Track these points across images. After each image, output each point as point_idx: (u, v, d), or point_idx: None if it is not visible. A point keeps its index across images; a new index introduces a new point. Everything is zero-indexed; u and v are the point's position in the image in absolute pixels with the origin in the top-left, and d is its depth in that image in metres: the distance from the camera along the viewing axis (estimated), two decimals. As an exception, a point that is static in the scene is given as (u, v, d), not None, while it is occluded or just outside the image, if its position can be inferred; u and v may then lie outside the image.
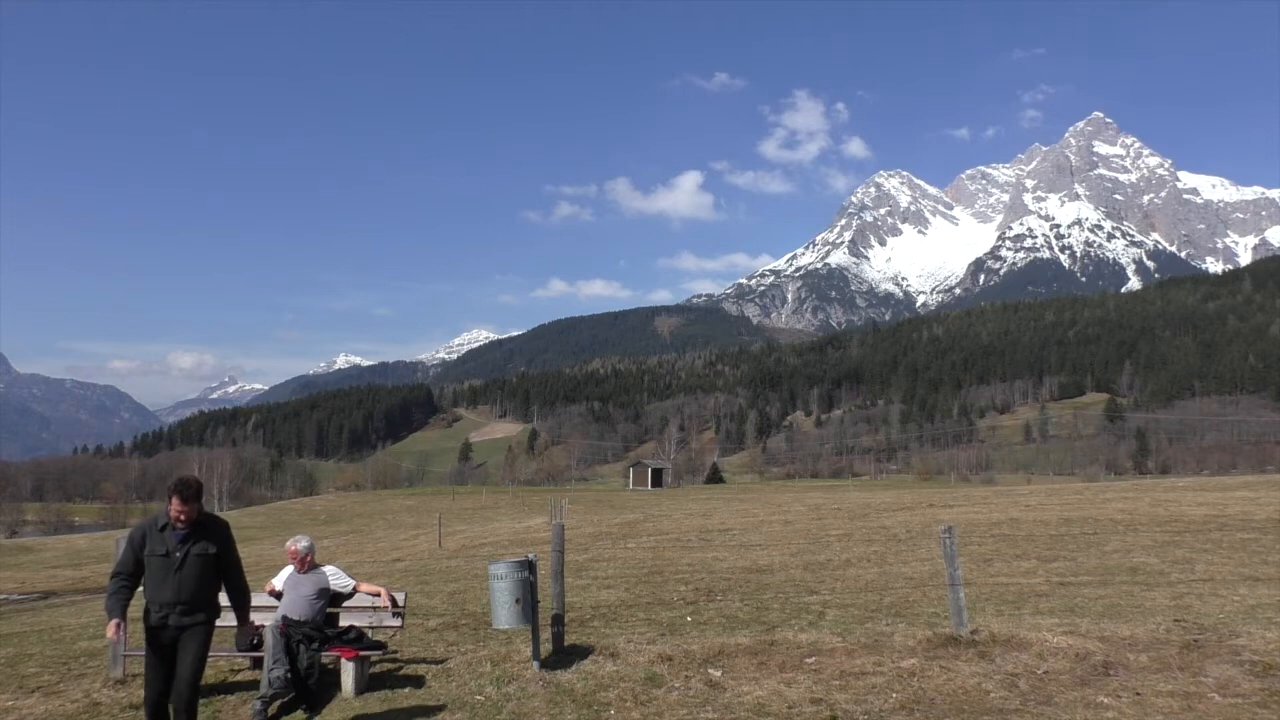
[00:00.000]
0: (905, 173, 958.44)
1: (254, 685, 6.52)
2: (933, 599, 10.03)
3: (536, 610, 7.46)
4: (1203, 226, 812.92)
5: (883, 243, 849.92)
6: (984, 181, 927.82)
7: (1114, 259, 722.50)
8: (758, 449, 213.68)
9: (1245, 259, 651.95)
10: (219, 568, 5.52)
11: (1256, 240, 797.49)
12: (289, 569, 7.38)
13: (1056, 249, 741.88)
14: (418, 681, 7.08)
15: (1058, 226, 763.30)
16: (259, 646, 7.09)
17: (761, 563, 14.95)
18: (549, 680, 6.87)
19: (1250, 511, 18.67)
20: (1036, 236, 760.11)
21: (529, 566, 7.52)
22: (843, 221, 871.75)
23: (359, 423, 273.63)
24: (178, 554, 5.33)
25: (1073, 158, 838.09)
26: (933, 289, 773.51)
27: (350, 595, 7.54)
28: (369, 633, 7.52)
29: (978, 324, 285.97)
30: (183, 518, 5.35)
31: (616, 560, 16.87)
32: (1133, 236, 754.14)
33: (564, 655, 7.54)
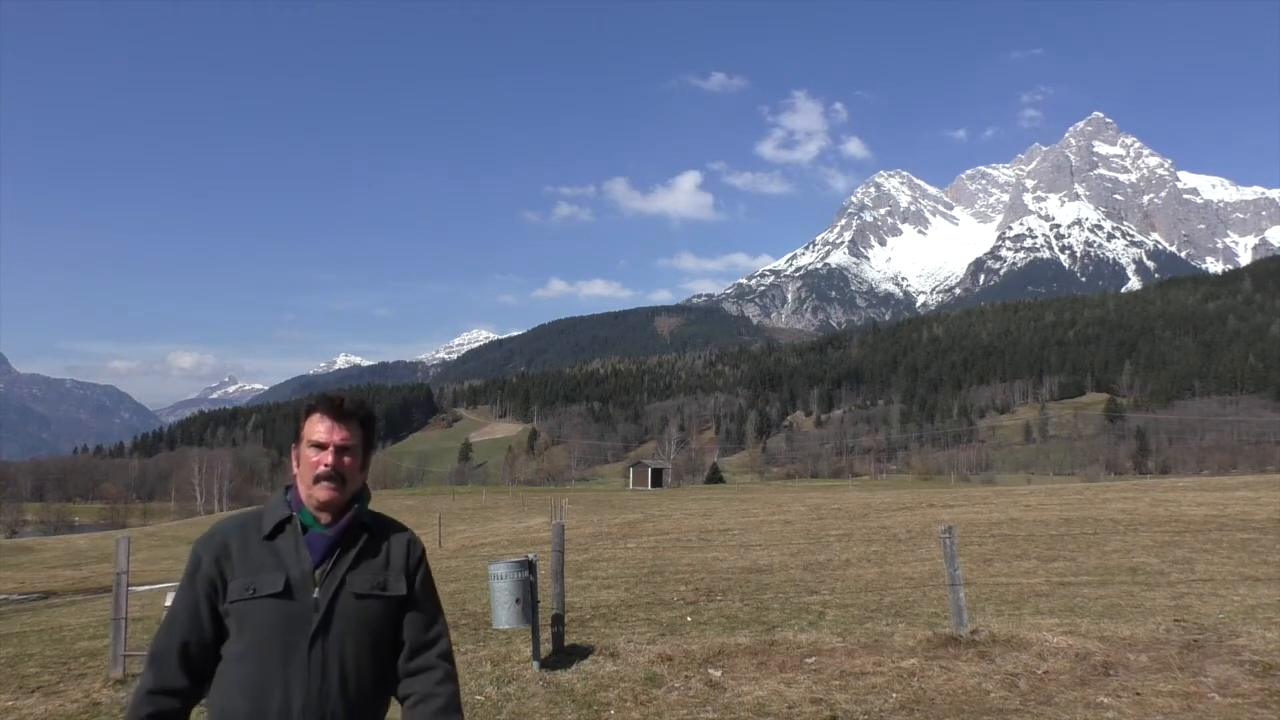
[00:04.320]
0: (905, 173, 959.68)
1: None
2: (933, 599, 10.02)
3: (536, 610, 7.47)
4: (1203, 226, 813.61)
5: (883, 243, 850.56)
6: (984, 181, 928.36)
7: (1114, 259, 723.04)
8: (758, 449, 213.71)
9: (1245, 259, 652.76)
10: (398, 632, 2.37)
11: (1256, 240, 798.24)
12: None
13: (1056, 249, 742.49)
14: (418, 681, 7.06)
15: (1058, 226, 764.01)
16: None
17: (761, 563, 14.95)
18: (549, 680, 6.87)
19: (1250, 511, 18.67)
20: (1036, 236, 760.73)
21: (529, 566, 7.52)
22: (842, 221, 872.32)
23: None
24: (315, 593, 2.25)
25: (1073, 158, 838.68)
26: (933, 289, 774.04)
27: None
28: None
29: (978, 324, 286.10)
30: (330, 467, 2.30)
31: (616, 560, 16.87)
32: (1133, 236, 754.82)
33: (564, 655, 7.54)
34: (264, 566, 2.24)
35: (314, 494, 2.30)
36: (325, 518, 2.31)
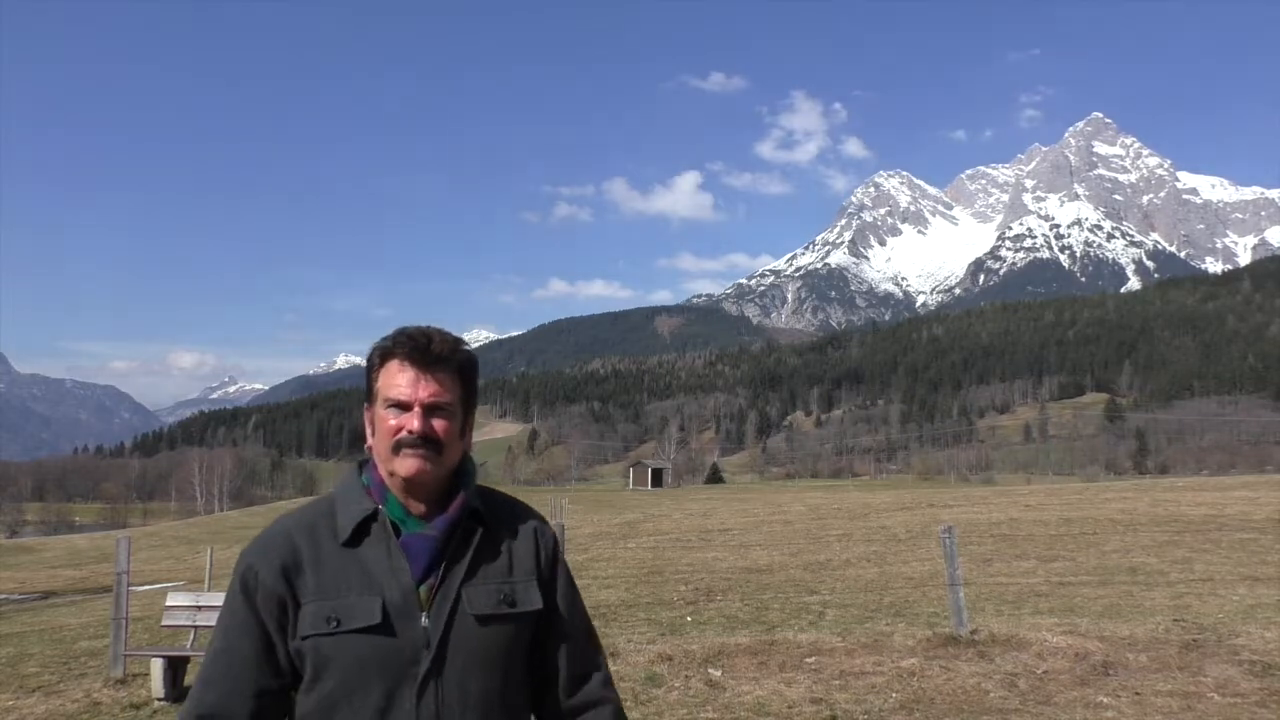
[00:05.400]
0: (905, 173, 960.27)
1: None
2: (932, 599, 10.04)
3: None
4: (1202, 226, 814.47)
5: (882, 243, 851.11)
6: (984, 181, 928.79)
7: (1114, 259, 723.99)
8: (758, 449, 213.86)
9: (1245, 259, 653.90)
10: (534, 658, 1.67)
11: (1256, 240, 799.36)
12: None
13: (1056, 249, 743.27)
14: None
15: (1057, 226, 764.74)
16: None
17: (761, 563, 14.97)
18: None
19: (1249, 511, 18.68)
20: (1036, 236, 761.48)
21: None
22: (842, 221, 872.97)
23: (359, 422, 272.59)
24: (424, 619, 1.51)
25: (1072, 158, 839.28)
26: (933, 289, 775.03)
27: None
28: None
29: (977, 324, 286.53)
30: (417, 432, 1.54)
31: (616, 560, 16.89)
32: (1132, 236, 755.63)
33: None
34: (348, 586, 1.50)
35: (396, 468, 1.55)
36: (418, 506, 1.57)
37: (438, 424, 1.55)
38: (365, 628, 1.46)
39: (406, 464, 1.52)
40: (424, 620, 1.49)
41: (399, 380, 1.56)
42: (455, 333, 1.59)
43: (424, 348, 1.57)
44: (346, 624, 1.46)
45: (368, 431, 1.62)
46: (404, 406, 1.54)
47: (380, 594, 1.48)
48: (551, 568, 1.67)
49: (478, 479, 1.63)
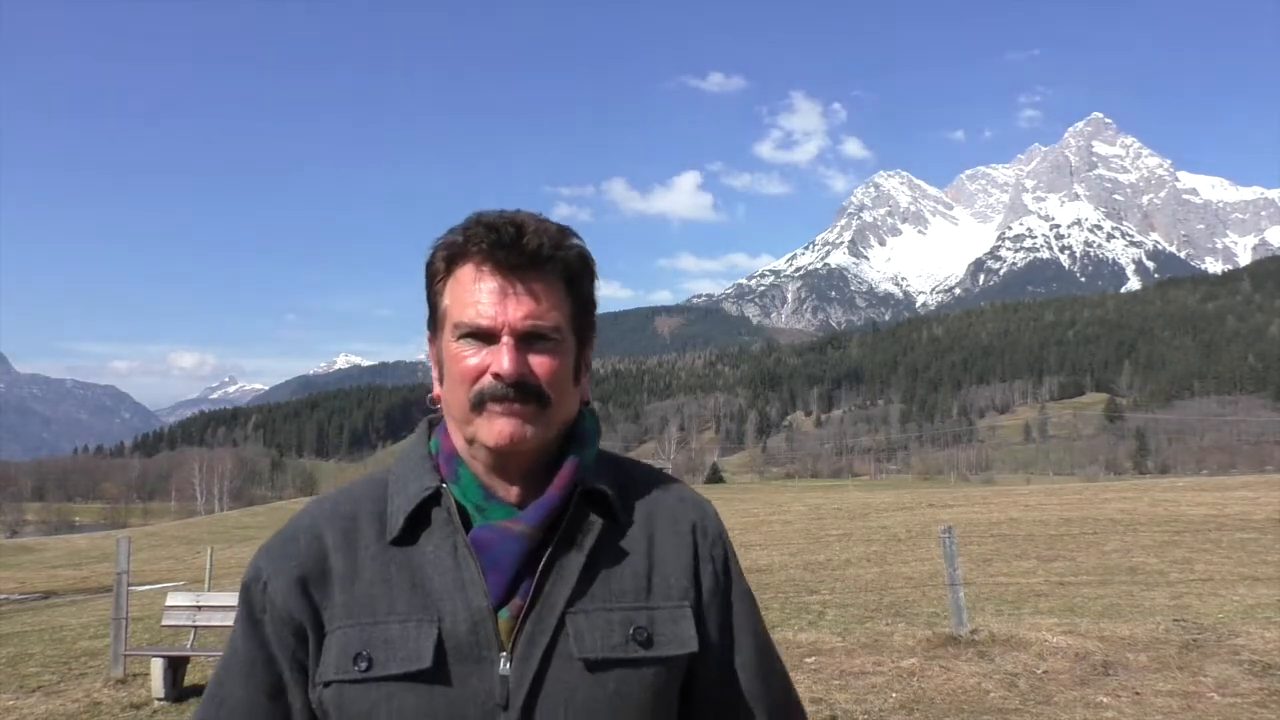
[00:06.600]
0: (905, 173, 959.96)
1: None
2: (932, 599, 10.04)
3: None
4: (1202, 227, 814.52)
5: (882, 243, 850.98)
6: (984, 181, 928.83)
7: (1113, 259, 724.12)
8: (758, 449, 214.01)
9: (1244, 259, 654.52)
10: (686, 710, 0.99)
11: (1256, 240, 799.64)
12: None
13: (1056, 249, 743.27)
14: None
15: (1057, 226, 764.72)
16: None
17: (761, 563, 14.97)
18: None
19: (1249, 511, 18.68)
20: (1036, 236, 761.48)
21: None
22: (842, 221, 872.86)
23: (359, 423, 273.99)
24: (503, 663, 0.91)
25: (1072, 158, 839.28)
26: (932, 289, 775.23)
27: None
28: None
29: (977, 324, 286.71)
30: (507, 378, 0.93)
31: (616, 560, 16.86)
32: (1132, 236, 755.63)
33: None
34: (390, 607, 0.95)
35: (478, 433, 0.97)
36: (509, 488, 1.00)
37: (539, 362, 0.97)
38: (408, 674, 0.91)
39: (494, 427, 0.95)
40: (503, 665, 0.93)
41: (477, 294, 0.97)
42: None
43: (512, 242, 0.96)
44: (382, 666, 0.92)
45: (434, 375, 1.06)
46: (486, 336, 0.96)
47: (436, 620, 0.93)
48: (720, 586, 1.04)
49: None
